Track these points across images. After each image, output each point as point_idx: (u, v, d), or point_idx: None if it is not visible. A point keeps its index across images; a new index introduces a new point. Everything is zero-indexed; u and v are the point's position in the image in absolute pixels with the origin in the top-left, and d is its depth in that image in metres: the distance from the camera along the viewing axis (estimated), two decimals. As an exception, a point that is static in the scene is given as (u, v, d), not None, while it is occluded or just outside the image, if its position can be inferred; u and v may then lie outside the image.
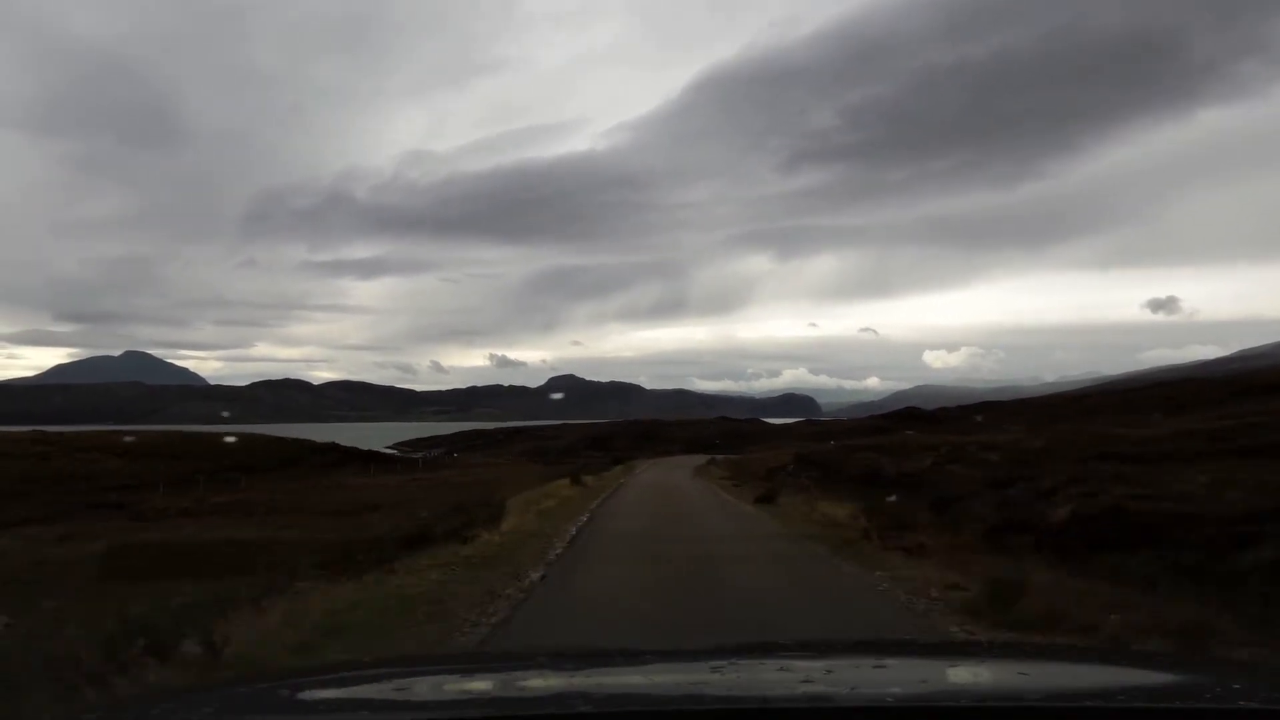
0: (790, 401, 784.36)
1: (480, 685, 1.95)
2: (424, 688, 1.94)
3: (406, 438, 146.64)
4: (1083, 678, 1.94)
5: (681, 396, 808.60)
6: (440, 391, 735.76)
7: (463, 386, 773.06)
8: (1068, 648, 4.41)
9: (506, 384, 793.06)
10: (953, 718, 1.44)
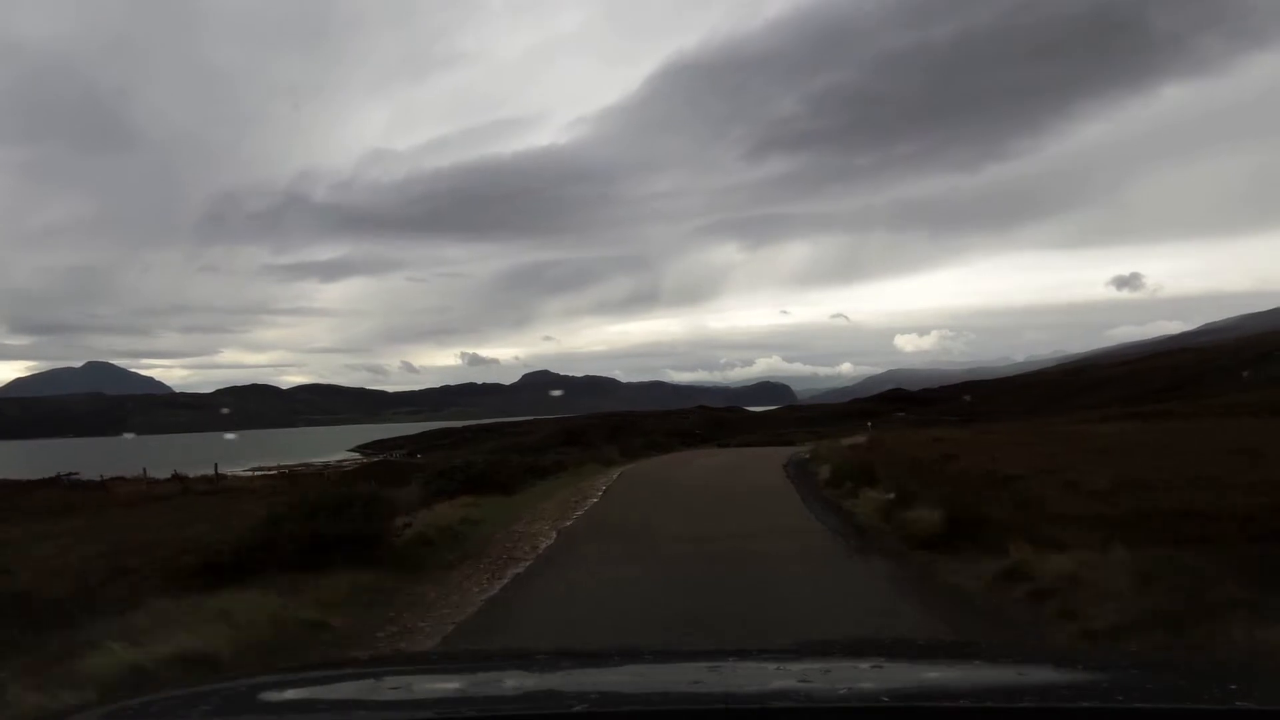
0: (766, 389, 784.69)
1: (479, 684, 1.93)
2: (422, 687, 1.95)
3: (377, 439, 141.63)
4: (1080, 678, 1.90)
5: (657, 388, 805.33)
6: (412, 392, 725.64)
7: (435, 386, 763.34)
8: (1065, 648, 4.76)
9: (480, 382, 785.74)
10: (950, 718, 1.45)
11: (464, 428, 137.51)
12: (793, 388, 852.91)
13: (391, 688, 1.92)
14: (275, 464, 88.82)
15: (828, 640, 4.38)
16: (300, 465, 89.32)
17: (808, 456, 28.74)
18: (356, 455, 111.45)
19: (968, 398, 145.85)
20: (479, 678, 2.04)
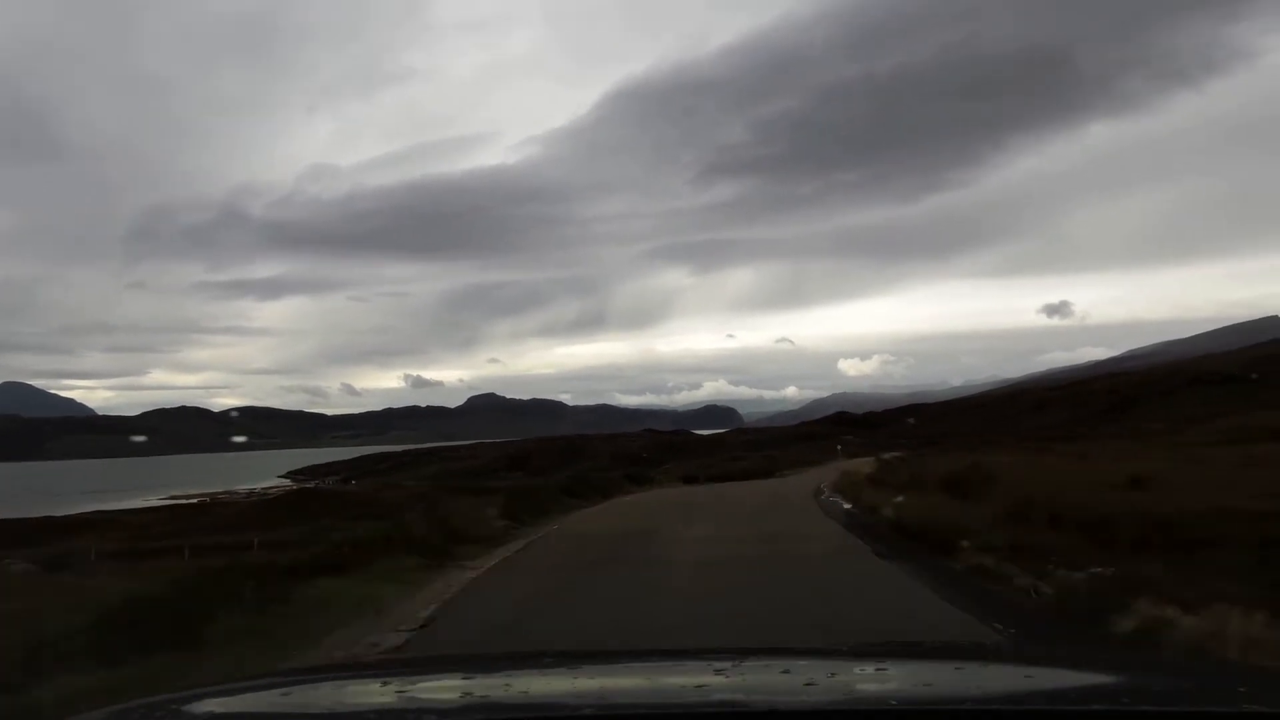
0: (712, 413, 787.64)
1: (483, 686, 1.90)
2: (427, 689, 1.94)
3: (314, 463, 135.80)
4: (1088, 681, 1.89)
5: (605, 411, 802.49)
6: (353, 415, 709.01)
7: (377, 409, 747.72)
8: (1072, 650, 4.66)
9: (424, 405, 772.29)
10: None
11: (403, 452, 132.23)
12: (739, 411, 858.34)
13: (396, 690, 1.89)
14: (197, 491, 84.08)
15: (834, 644, 4.44)
16: (224, 492, 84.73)
17: (851, 509, 19.10)
18: (287, 481, 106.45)
19: (912, 420, 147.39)
20: (485, 680, 2.00)
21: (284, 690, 1.94)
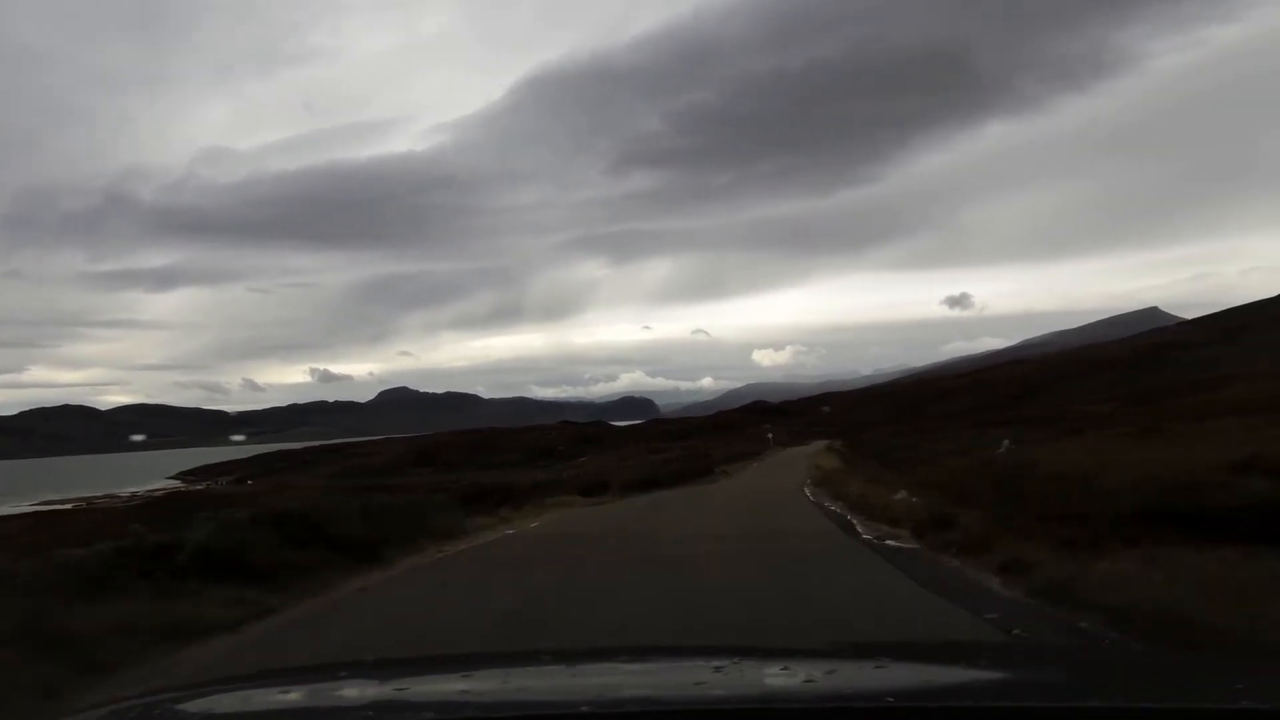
0: (630, 404, 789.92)
1: (481, 684, 1.91)
2: (425, 687, 1.94)
3: (210, 462, 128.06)
4: (1086, 678, 1.90)
5: (521, 404, 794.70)
6: (256, 411, 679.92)
7: (282, 405, 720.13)
8: (1069, 647, 4.56)
9: (332, 400, 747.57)
10: (954, 718, 1.47)
11: (304, 450, 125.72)
12: (656, 402, 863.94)
13: (395, 689, 1.89)
14: (75, 496, 77.59)
15: (832, 641, 4.32)
16: (104, 496, 78.47)
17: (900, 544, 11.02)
18: (177, 483, 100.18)
19: (826, 408, 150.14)
20: (483, 678, 1.99)
21: (282, 688, 1.93)
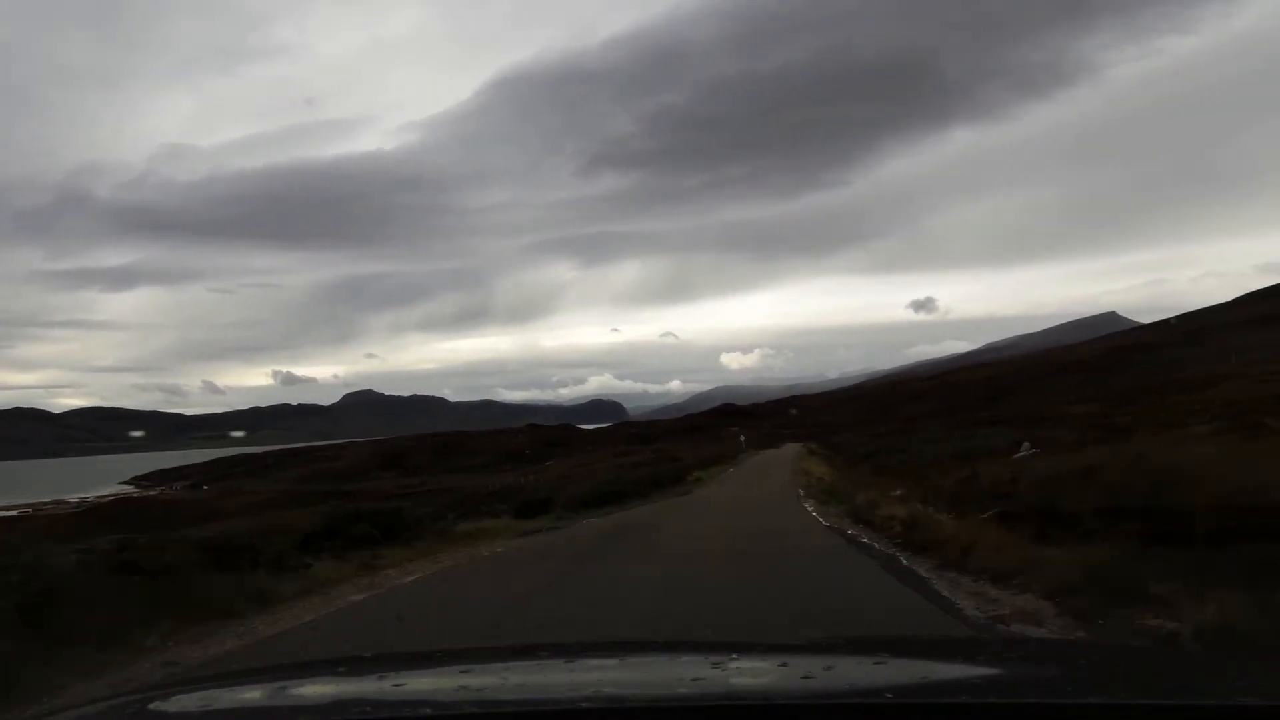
0: (598, 407, 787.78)
1: (480, 680, 1.92)
2: (423, 683, 1.93)
3: (168, 467, 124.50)
4: (1084, 673, 1.87)
5: (488, 407, 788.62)
6: (216, 414, 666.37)
7: (244, 408, 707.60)
8: (1069, 643, 4.52)
9: (295, 403, 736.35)
10: (953, 714, 1.47)
11: (264, 454, 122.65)
12: (624, 405, 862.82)
13: (394, 684, 1.87)
14: (22, 502, 74.82)
15: (831, 637, 4.20)
16: (52, 502, 75.77)
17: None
18: (131, 488, 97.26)
19: (794, 411, 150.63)
20: (482, 673, 1.99)
21: (281, 684, 1.93)
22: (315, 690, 1.90)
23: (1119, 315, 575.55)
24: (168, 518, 31.87)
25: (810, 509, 16.98)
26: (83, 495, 78.25)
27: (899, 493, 15.62)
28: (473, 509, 24.27)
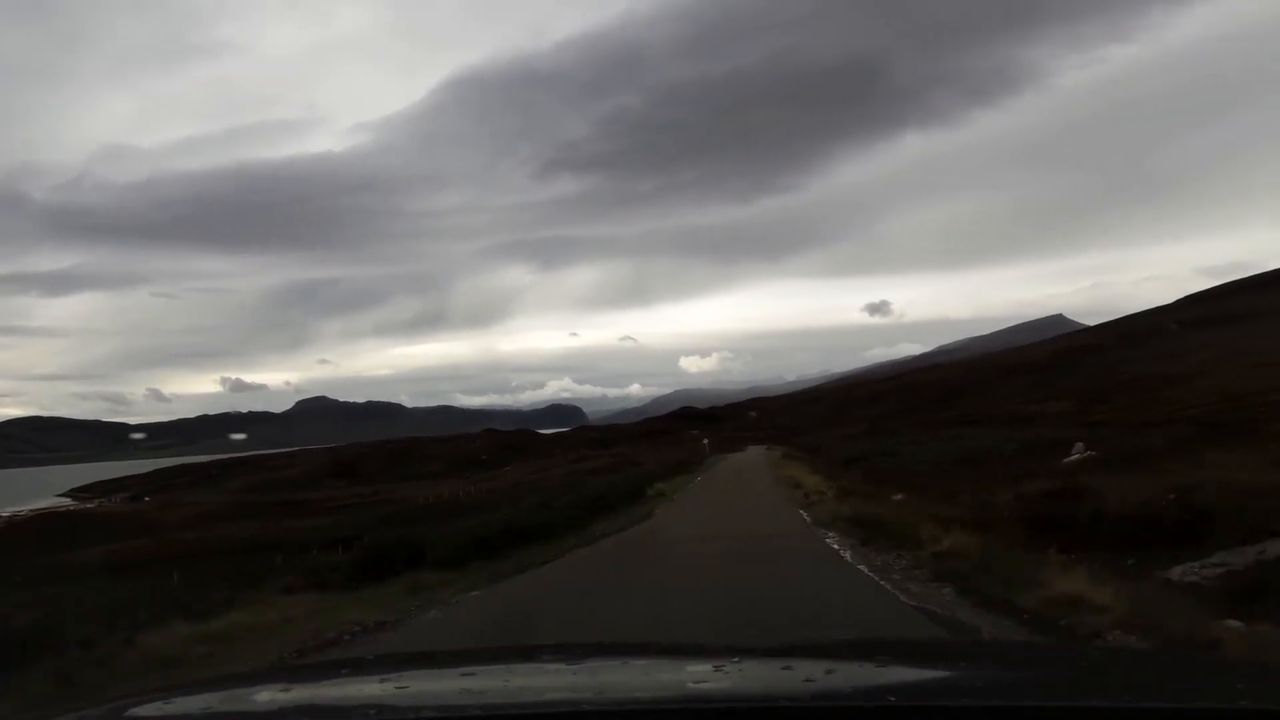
0: (557, 412, 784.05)
1: (483, 682, 1.92)
2: (426, 685, 1.95)
3: (109, 477, 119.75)
4: (1085, 676, 1.90)
5: (446, 413, 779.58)
6: (162, 423, 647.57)
7: (191, 416, 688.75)
8: (1070, 646, 4.47)
9: (246, 410, 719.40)
10: (955, 717, 1.48)
11: (210, 463, 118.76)
12: (584, 409, 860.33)
13: (396, 686, 1.88)
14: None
15: (833, 640, 4.25)
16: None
17: None
18: (67, 500, 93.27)
19: (754, 413, 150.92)
20: (484, 675, 2.00)
21: (284, 686, 1.94)
22: (318, 692, 1.90)
23: (1065, 317, 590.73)
24: (105, 531, 29.99)
25: (850, 557, 10.92)
26: (15, 509, 74.65)
27: (954, 519, 10.79)
28: (283, 566, 15.91)
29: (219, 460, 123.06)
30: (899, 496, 16.47)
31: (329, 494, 60.73)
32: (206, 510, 41.81)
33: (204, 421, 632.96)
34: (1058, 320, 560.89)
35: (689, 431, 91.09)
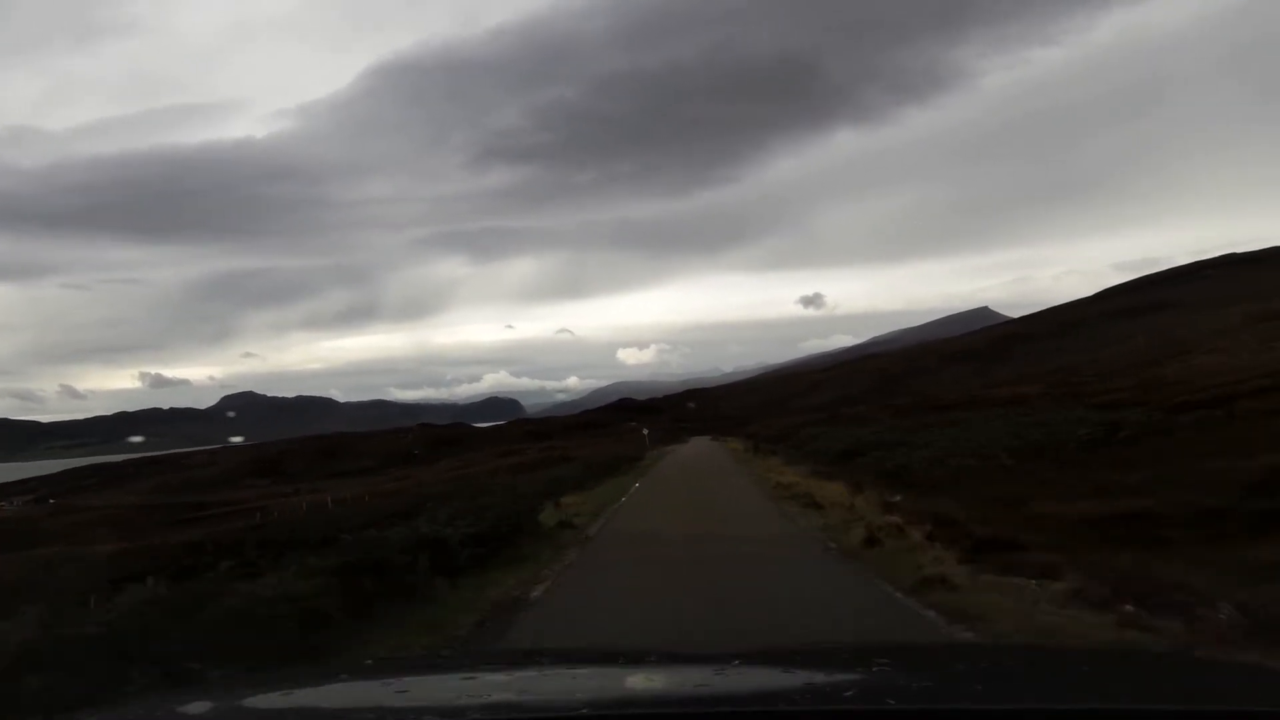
0: (494, 405, 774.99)
1: (482, 686, 1.93)
2: (426, 689, 1.95)
3: (9, 479, 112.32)
4: (1086, 679, 1.91)
5: (381, 408, 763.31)
6: (76, 421, 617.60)
7: (108, 413, 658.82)
8: (1069, 649, 4.44)
9: (166, 407, 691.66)
10: None
11: (123, 462, 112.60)
12: (522, 402, 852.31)
13: (397, 690, 1.92)
14: None
15: (833, 644, 4.32)
16: None
17: None
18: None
19: (692, 404, 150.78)
20: (483, 680, 2.01)
21: (285, 691, 1.96)
22: (319, 696, 1.88)
23: (991, 310, 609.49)
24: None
25: None
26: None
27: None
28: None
29: (134, 460, 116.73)
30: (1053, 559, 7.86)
31: (245, 494, 57.63)
32: (102, 514, 38.64)
33: (122, 419, 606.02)
34: (984, 312, 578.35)
35: (628, 424, 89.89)
